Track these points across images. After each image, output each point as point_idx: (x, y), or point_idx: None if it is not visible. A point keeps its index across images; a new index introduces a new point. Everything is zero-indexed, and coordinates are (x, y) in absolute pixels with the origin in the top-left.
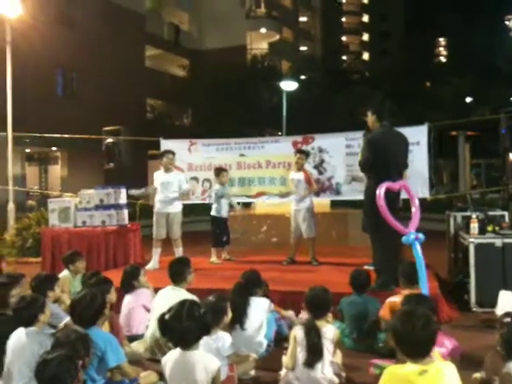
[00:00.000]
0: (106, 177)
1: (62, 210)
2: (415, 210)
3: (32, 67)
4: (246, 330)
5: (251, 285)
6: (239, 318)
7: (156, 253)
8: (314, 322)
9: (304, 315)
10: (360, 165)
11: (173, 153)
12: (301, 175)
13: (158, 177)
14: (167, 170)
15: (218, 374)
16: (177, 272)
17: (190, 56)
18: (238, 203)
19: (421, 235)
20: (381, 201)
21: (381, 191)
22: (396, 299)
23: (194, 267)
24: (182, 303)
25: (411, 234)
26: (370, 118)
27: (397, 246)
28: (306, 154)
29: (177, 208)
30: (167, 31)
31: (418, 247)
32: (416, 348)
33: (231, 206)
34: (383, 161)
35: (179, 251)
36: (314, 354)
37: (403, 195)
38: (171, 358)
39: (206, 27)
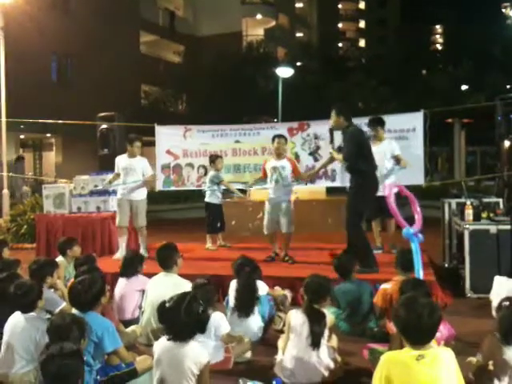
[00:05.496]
0: (100, 163)
1: (57, 196)
2: (418, 216)
3: (26, 53)
4: (254, 314)
5: (254, 270)
6: (250, 304)
7: (123, 241)
8: (314, 306)
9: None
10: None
11: (141, 141)
12: (285, 162)
13: (120, 161)
14: (131, 155)
15: (206, 368)
16: (165, 258)
17: (185, 42)
18: (243, 190)
19: (420, 235)
20: (390, 199)
21: (391, 191)
22: (387, 286)
23: (189, 254)
24: (183, 296)
25: (411, 229)
26: (336, 118)
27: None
28: (285, 138)
29: (141, 195)
30: (162, 17)
31: (417, 243)
32: (421, 335)
33: (231, 193)
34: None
35: (144, 240)
36: (316, 338)
37: None
38: (162, 344)
39: (201, 13)
